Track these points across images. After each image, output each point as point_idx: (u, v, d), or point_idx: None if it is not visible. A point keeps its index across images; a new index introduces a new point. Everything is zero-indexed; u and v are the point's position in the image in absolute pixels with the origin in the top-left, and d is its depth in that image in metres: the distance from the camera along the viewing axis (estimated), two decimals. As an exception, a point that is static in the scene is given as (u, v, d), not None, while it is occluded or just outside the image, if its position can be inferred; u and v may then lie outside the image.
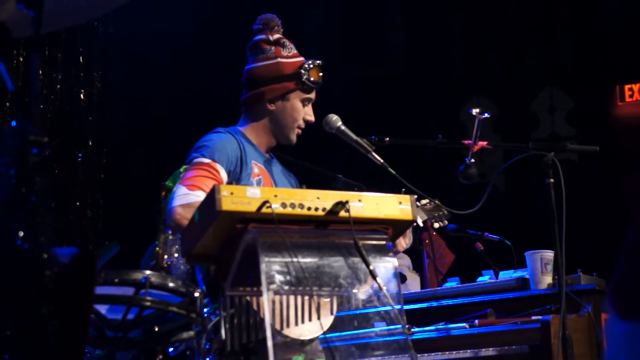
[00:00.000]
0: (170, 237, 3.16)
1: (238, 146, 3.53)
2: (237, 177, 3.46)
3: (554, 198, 3.46)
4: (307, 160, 3.85)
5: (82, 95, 5.81)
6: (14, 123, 1.93)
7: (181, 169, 3.42)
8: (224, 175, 3.41)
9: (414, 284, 4.88)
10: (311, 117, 3.68)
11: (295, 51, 3.68)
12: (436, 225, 4.09)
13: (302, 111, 3.66)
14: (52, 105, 5.48)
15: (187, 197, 3.26)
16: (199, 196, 3.18)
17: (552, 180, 3.50)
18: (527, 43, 7.33)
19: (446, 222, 4.12)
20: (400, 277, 4.21)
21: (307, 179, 3.48)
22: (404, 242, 3.49)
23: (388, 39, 7.32)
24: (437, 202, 3.89)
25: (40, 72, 5.09)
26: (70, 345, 1.99)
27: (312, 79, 3.61)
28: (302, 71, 3.61)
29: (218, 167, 3.41)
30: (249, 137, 3.63)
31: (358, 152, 3.61)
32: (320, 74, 3.64)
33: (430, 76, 7.17)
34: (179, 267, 3.10)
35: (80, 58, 5.84)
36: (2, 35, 1.81)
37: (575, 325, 3.54)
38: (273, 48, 3.65)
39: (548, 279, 3.76)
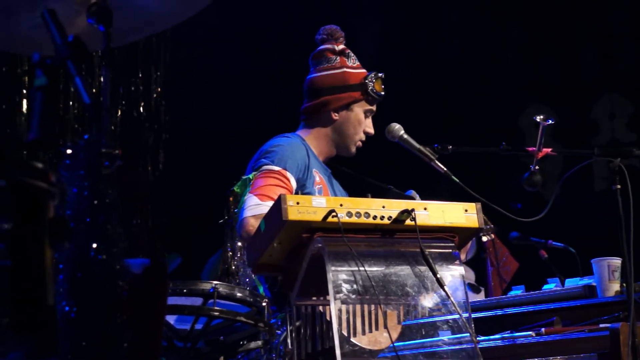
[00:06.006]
0: (240, 244, 3.18)
1: (306, 153, 3.55)
2: (302, 183, 3.47)
3: (621, 204, 3.42)
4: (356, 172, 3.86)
5: (141, 108, 5.88)
6: (86, 136, 1.95)
7: (250, 176, 3.43)
8: (293, 184, 3.43)
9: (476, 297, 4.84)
10: (371, 130, 3.70)
11: (359, 63, 3.70)
12: (484, 238, 4.07)
13: (364, 123, 3.67)
14: (115, 118, 5.55)
15: (259, 207, 3.27)
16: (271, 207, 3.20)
17: (618, 186, 3.46)
18: (586, 48, 7.26)
19: (493, 235, 4.09)
20: (474, 288, 4.19)
21: (357, 191, 3.48)
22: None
23: (444, 47, 7.30)
24: (483, 215, 3.87)
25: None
26: (143, 355, 2.01)
27: (376, 90, 3.63)
28: (368, 82, 3.63)
29: (288, 175, 3.42)
30: (310, 145, 3.64)
31: (419, 161, 3.60)
32: (383, 86, 3.66)
33: (488, 83, 7.13)
34: (249, 275, 3.11)
35: (140, 72, 5.91)
36: (78, 49, 1.84)
37: (645, 333, 3.49)
38: (338, 58, 3.67)
39: (616, 287, 3.70)
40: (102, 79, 2.04)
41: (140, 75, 5.92)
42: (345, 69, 3.66)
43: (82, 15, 2.12)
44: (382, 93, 3.66)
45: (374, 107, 3.70)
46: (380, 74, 3.67)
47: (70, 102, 5.14)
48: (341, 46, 3.71)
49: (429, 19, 7.11)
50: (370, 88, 3.64)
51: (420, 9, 7.03)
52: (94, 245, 1.91)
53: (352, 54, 3.70)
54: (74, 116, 5.14)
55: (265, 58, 6.40)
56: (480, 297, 4.52)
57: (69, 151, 1.97)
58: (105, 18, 2.06)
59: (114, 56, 5.55)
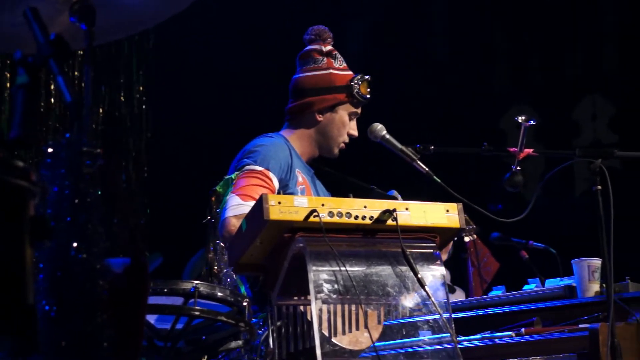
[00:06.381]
0: (222, 244, 3.18)
1: (289, 153, 3.55)
2: (285, 184, 3.47)
3: (601, 205, 3.43)
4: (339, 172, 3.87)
5: (124, 107, 5.87)
6: (67, 135, 1.95)
7: (233, 175, 3.43)
8: (276, 184, 3.43)
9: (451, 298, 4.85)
10: (355, 132, 3.70)
11: (345, 64, 3.70)
12: (466, 239, 4.09)
13: (348, 125, 3.67)
14: (97, 116, 5.54)
15: (240, 207, 3.27)
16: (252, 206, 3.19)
17: (599, 187, 3.47)
18: (569, 50, 7.28)
19: (475, 235, 4.11)
20: (448, 288, 4.21)
21: (340, 190, 3.49)
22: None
23: (429, 48, 7.31)
24: (466, 216, 3.88)
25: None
26: (123, 355, 2.01)
27: (362, 93, 3.63)
28: (353, 84, 3.63)
29: (271, 175, 3.42)
30: (293, 146, 3.64)
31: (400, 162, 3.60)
32: (369, 89, 3.65)
33: (471, 84, 7.15)
34: (230, 275, 3.11)
35: (122, 71, 5.90)
36: (60, 47, 1.83)
37: (624, 333, 3.50)
38: (325, 59, 3.67)
39: (595, 287, 3.72)
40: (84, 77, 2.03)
41: (123, 73, 5.91)
42: (331, 71, 3.66)
43: (65, 14, 2.11)
44: (368, 96, 3.66)
45: (358, 110, 3.70)
46: (366, 77, 3.66)
47: (52, 100, 5.13)
48: (329, 47, 3.70)
49: (413, 20, 7.12)
50: (355, 90, 3.63)
51: (405, 11, 7.04)
52: (75, 245, 1.90)
53: (339, 56, 3.70)
54: (55, 115, 5.13)
55: (250, 56, 6.39)
56: (457, 297, 4.53)
57: (50, 150, 1.97)
58: (88, 16, 2.06)
59: (97, 54, 5.55)
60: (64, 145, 1.95)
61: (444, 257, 3.48)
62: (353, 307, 2.83)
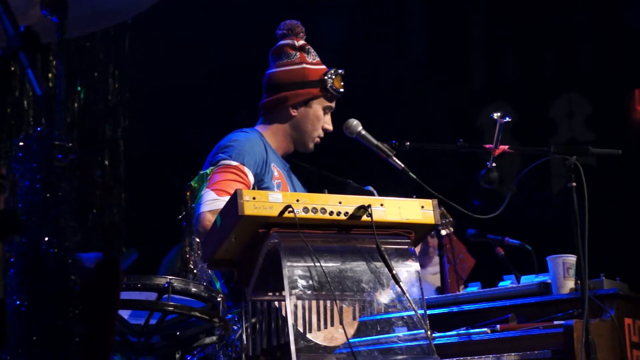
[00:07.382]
0: (197, 240, 3.17)
1: (264, 148, 3.54)
2: (261, 178, 3.46)
3: (576, 202, 3.44)
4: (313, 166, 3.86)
5: (99, 101, 5.84)
6: (39, 128, 1.94)
7: (208, 170, 3.42)
8: (251, 179, 3.41)
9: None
10: (330, 126, 3.69)
11: (319, 59, 3.69)
12: (443, 232, 4.09)
13: (322, 119, 3.66)
14: (71, 108, 5.51)
15: (215, 202, 3.25)
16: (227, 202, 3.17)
17: (574, 184, 3.48)
18: (546, 48, 7.31)
19: (452, 229, 4.11)
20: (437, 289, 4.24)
21: (315, 185, 3.48)
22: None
23: (406, 44, 7.32)
24: (442, 209, 3.88)
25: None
26: (95, 350, 2.00)
27: (335, 87, 3.62)
28: (327, 78, 3.61)
29: (246, 170, 3.41)
30: (268, 141, 3.63)
31: (376, 157, 3.60)
32: (342, 83, 3.64)
33: (448, 81, 7.16)
34: (206, 271, 3.10)
35: (97, 64, 5.86)
36: (31, 40, 1.81)
37: (599, 330, 3.52)
38: (298, 54, 3.65)
39: (570, 284, 3.74)
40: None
41: (98, 66, 5.88)
42: (304, 65, 3.65)
43: (36, 6, 2.09)
44: (342, 90, 3.65)
45: (332, 104, 3.69)
46: (340, 71, 3.65)
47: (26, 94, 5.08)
48: (301, 42, 3.69)
49: (392, 16, 7.12)
50: (329, 85, 3.62)
51: (383, 7, 7.04)
52: (46, 239, 1.89)
53: (312, 50, 3.69)
54: (30, 108, 5.08)
55: (227, 51, 6.37)
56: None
57: (21, 143, 1.95)
58: (60, 9, 2.04)
59: (70, 47, 5.51)
60: (35, 139, 1.93)
61: (418, 249, 3.49)
62: (328, 303, 2.82)
